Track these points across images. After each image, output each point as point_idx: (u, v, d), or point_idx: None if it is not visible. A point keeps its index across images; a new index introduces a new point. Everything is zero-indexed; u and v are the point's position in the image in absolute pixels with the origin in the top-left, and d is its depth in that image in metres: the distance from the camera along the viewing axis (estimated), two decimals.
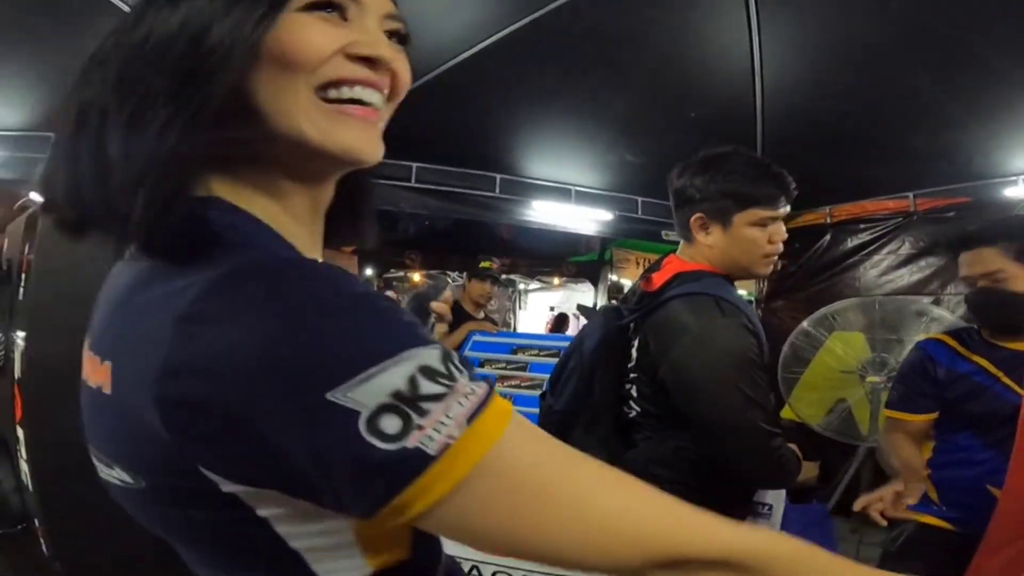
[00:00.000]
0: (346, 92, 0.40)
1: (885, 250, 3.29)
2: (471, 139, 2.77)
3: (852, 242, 3.45)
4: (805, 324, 2.99)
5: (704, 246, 1.17)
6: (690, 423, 1.11)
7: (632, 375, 1.23)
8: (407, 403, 0.32)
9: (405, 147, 2.82)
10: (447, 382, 0.34)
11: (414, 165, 2.85)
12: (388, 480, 0.32)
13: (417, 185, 2.86)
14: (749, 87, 2.65)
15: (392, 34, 0.43)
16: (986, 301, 1.27)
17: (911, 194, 3.14)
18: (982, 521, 1.13)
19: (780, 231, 1.18)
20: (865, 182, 3.21)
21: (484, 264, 2.65)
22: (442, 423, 0.32)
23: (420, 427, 0.32)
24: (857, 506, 1.26)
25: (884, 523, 1.24)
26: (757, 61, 2.53)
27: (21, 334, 1.94)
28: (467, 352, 2.40)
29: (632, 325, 1.23)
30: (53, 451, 1.77)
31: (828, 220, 3.54)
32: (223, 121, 0.38)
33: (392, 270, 5.72)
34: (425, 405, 0.32)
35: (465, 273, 2.64)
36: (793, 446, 1.20)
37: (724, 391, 1.05)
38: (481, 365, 2.36)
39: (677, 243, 1.29)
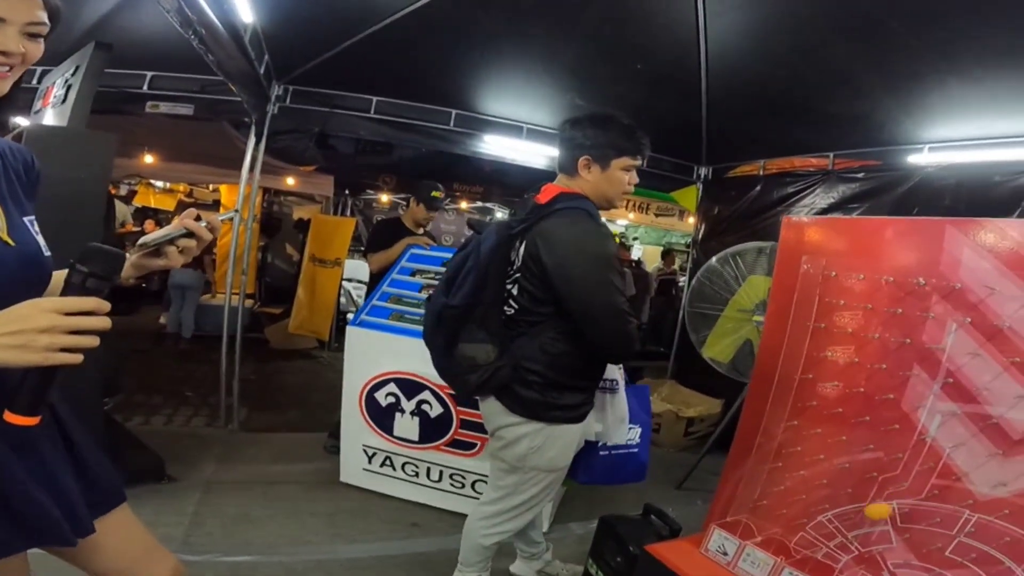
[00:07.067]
0: None
1: (803, 203, 3.61)
2: (427, 77, 2.98)
3: (779, 193, 3.78)
4: (713, 261, 3.24)
5: (584, 180, 1.56)
6: (556, 319, 1.48)
7: (515, 275, 1.54)
8: None
9: (367, 82, 3.03)
10: None
11: (374, 98, 3.08)
12: None
13: (376, 116, 3.09)
14: (694, 46, 2.84)
15: (32, 35, 0.75)
16: None
17: (831, 154, 3.48)
18: None
19: (635, 177, 1.61)
20: (794, 141, 3.46)
21: (435, 194, 2.87)
22: None
23: None
24: None
25: None
26: (702, 22, 2.70)
27: None
28: (403, 263, 2.72)
29: (521, 233, 1.52)
30: None
31: (761, 172, 3.88)
32: None
33: (368, 191, 5.94)
34: None
35: (412, 197, 2.92)
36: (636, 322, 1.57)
37: (599, 282, 1.42)
38: (413, 274, 2.71)
39: None
